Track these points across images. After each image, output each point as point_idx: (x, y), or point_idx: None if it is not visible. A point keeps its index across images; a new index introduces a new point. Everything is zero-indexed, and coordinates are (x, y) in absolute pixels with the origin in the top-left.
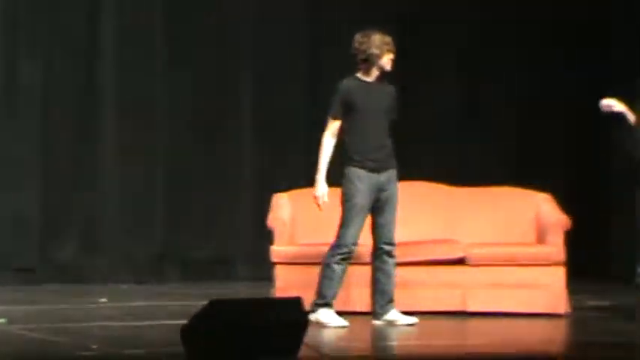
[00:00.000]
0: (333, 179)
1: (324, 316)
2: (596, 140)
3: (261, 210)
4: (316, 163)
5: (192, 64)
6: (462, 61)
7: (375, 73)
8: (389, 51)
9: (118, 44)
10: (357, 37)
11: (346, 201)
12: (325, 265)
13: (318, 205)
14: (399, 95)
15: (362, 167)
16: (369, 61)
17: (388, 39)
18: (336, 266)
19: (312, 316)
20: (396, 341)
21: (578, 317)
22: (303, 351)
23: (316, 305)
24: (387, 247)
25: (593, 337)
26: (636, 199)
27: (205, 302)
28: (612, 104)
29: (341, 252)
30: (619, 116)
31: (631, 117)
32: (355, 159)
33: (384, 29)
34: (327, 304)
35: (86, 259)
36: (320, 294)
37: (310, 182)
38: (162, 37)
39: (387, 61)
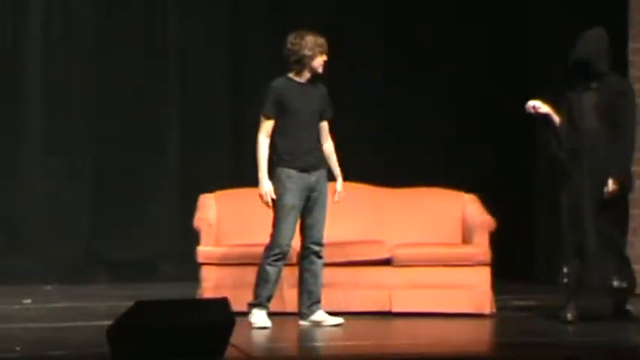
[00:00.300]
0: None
1: (255, 316)
2: (521, 141)
3: (187, 210)
4: (241, 163)
5: (118, 63)
6: (388, 61)
7: (306, 74)
8: (322, 53)
9: (43, 41)
10: (290, 37)
11: (276, 201)
12: (260, 266)
13: (266, 204)
14: (328, 93)
15: (292, 167)
16: (301, 63)
17: (321, 41)
18: (269, 267)
19: (250, 317)
20: (322, 342)
21: (503, 317)
22: (229, 352)
23: (250, 305)
24: (315, 248)
25: (518, 337)
26: (561, 199)
27: (131, 303)
28: (538, 105)
29: (273, 253)
30: (545, 117)
31: (556, 118)
32: (286, 159)
33: (314, 30)
34: (260, 305)
35: (10, 260)
36: (255, 294)
37: (236, 183)
38: (88, 34)
39: (319, 63)
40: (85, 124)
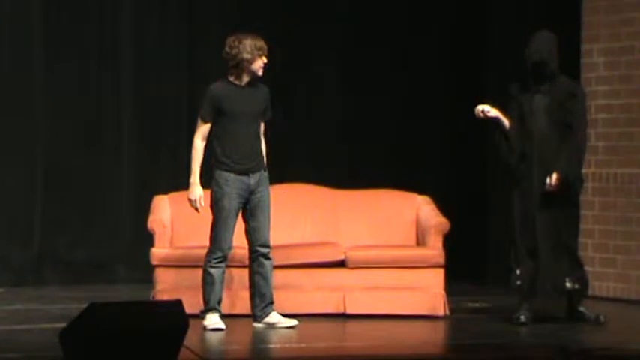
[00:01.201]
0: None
1: (208, 319)
2: (474, 143)
3: (141, 212)
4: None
5: (72, 63)
6: (342, 63)
7: (245, 78)
8: (261, 56)
9: None
10: (229, 41)
11: (214, 205)
12: (203, 271)
13: (196, 209)
14: (282, 96)
15: (230, 171)
16: (239, 67)
17: (260, 43)
18: (212, 270)
19: (203, 322)
20: (275, 344)
21: (456, 319)
22: (182, 354)
23: (202, 312)
24: (262, 250)
25: (471, 339)
26: (512, 202)
27: (85, 305)
28: (487, 110)
29: (215, 257)
30: (494, 121)
31: (506, 122)
32: (224, 162)
33: (262, 32)
34: (213, 309)
35: None
36: (204, 300)
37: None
38: (40, 34)
39: (259, 65)
40: (38, 124)
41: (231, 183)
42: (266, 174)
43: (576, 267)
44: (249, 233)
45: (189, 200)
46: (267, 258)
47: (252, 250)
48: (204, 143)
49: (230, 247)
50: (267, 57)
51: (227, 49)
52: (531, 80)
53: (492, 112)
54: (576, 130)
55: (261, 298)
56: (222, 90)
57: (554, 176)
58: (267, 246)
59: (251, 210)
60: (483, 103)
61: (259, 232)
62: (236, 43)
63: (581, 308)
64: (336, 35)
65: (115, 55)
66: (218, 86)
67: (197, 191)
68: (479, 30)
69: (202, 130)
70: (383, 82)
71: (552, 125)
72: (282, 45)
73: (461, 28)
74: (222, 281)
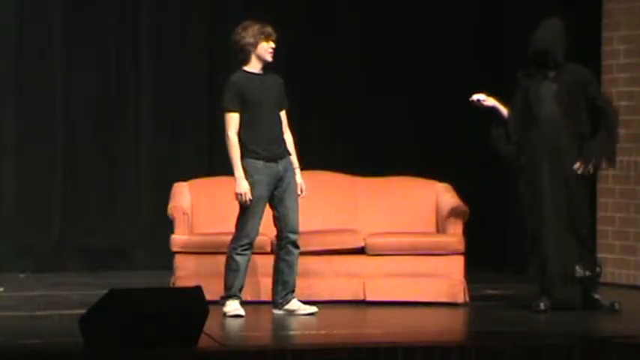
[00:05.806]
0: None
1: (228, 306)
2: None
3: (161, 199)
4: (215, 151)
5: (92, 51)
6: (363, 51)
7: (256, 63)
8: (266, 40)
9: (15, 27)
10: (237, 28)
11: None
12: (228, 257)
13: (244, 202)
14: (301, 85)
15: (258, 158)
16: (245, 51)
17: (267, 29)
18: (238, 257)
19: (223, 309)
20: (295, 331)
21: (476, 306)
22: (202, 340)
23: (223, 298)
24: (292, 237)
25: (491, 326)
26: (520, 190)
27: (105, 292)
28: (483, 99)
29: (242, 244)
30: (491, 110)
31: (504, 111)
32: (251, 150)
33: (275, 21)
34: (234, 296)
35: None
36: (226, 286)
37: (210, 171)
38: (60, 20)
39: (264, 49)
40: (58, 110)
41: (261, 170)
42: (291, 159)
43: (587, 253)
44: (278, 220)
45: (237, 194)
46: (296, 246)
47: (280, 237)
48: (237, 135)
49: (257, 235)
50: (274, 42)
51: (233, 36)
52: (534, 67)
53: (488, 101)
54: (608, 112)
55: (283, 286)
56: (241, 79)
57: (591, 164)
58: (296, 232)
59: (279, 197)
60: (501, 93)
61: (288, 219)
62: (240, 30)
63: (596, 296)
64: (356, 30)
65: (135, 44)
66: (237, 76)
67: (244, 185)
68: (497, 18)
69: (233, 122)
70: (403, 68)
71: (562, 112)
72: (304, 33)
73: (479, 16)
74: (246, 269)
